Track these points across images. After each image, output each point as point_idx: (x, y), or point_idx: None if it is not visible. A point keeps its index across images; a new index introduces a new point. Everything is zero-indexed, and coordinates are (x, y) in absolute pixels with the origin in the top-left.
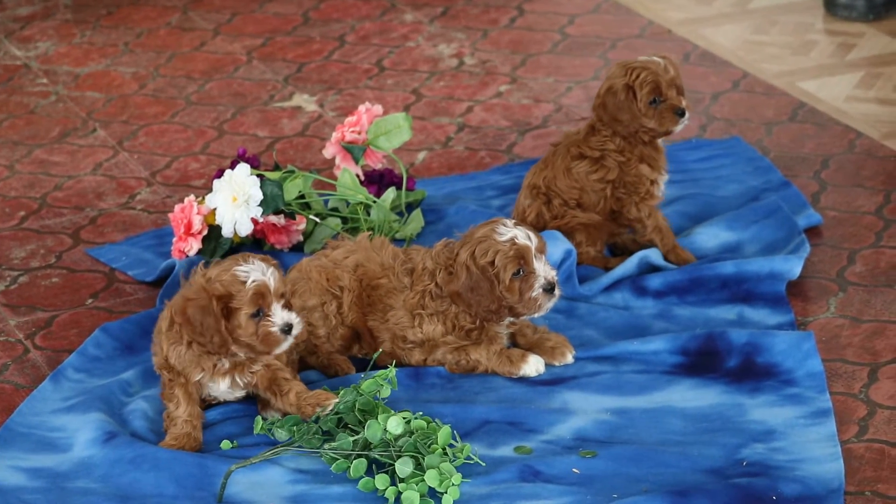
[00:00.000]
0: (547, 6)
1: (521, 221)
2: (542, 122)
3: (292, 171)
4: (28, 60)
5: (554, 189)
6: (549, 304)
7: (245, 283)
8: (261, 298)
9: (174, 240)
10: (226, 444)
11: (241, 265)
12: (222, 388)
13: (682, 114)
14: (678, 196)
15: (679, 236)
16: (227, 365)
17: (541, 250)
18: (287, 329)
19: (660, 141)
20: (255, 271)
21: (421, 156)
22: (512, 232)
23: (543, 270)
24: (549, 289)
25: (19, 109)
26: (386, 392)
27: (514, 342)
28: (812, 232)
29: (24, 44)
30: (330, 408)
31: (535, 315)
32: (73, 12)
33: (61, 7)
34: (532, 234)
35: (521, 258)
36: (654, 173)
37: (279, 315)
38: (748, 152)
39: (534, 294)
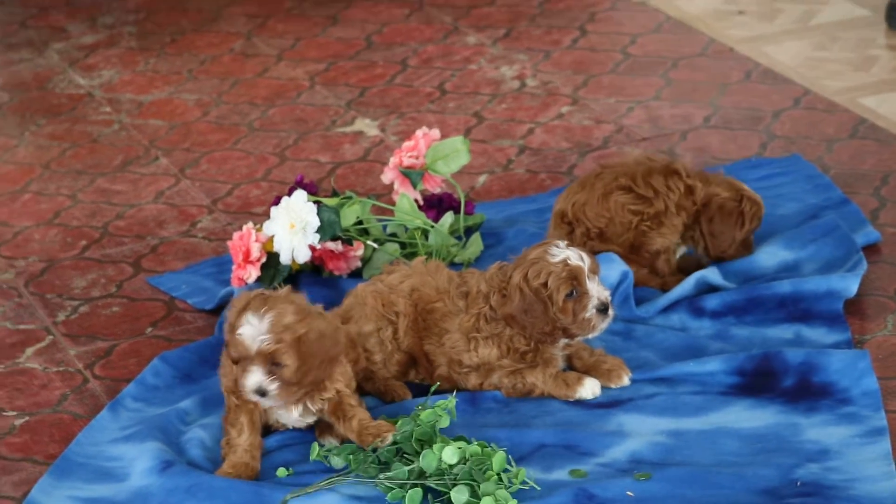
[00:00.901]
0: (609, 26)
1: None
2: (602, 143)
3: (350, 197)
4: (92, 89)
5: (581, 217)
6: (604, 324)
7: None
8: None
9: (233, 267)
10: (282, 472)
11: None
12: (294, 415)
13: None
14: None
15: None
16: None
17: (594, 271)
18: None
19: None
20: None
21: (482, 179)
22: (564, 253)
23: (597, 291)
24: (602, 309)
25: (83, 138)
26: (445, 423)
27: (570, 365)
28: (871, 249)
29: (88, 72)
30: (388, 441)
31: (590, 336)
32: (138, 40)
33: (126, 35)
34: (585, 255)
35: (573, 279)
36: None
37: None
38: (807, 170)
39: (587, 315)
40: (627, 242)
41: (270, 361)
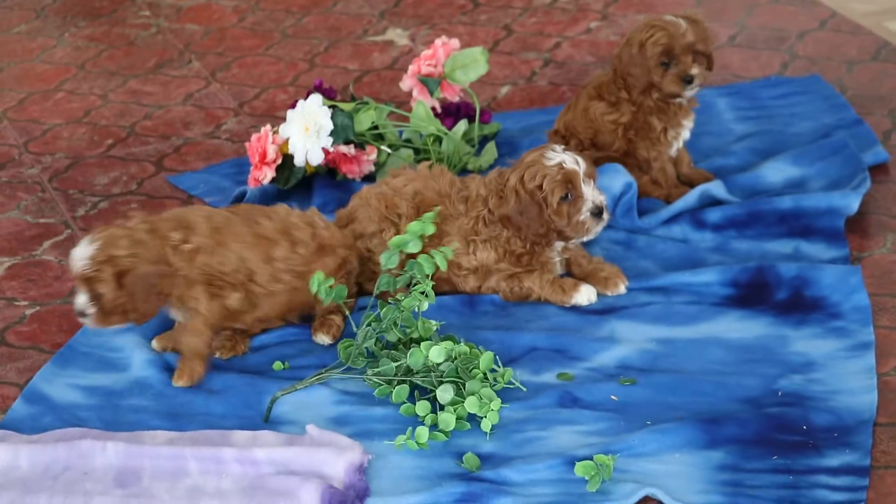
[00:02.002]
0: None
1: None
2: None
3: (366, 103)
4: None
5: (571, 130)
6: (597, 227)
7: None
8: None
9: (250, 168)
10: (277, 366)
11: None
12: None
13: (689, 81)
14: (751, 132)
15: (746, 171)
16: None
17: (589, 175)
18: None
19: (688, 95)
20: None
21: (504, 90)
22: (560, 157)
23: (591, 195)
24: (596, 213)
25: (119, 41)
26: (424, 306)
27: (569, 272)
28: (879, 169)
29: None
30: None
31: (584, 238)
32: None
33: None
34: (580, 160)
35: (568, 182)
36: (660, 124)
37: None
38: (825, 90)
39: (581, 217)
40: (621, 150)
41: (89, 287)
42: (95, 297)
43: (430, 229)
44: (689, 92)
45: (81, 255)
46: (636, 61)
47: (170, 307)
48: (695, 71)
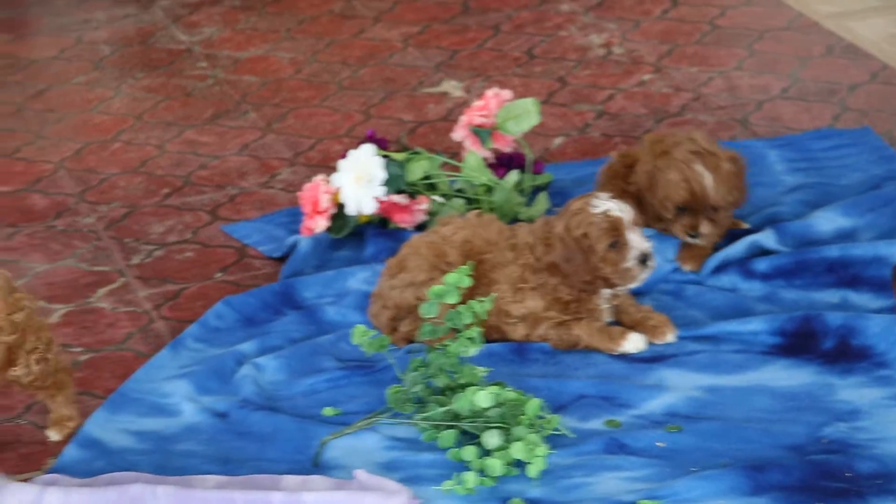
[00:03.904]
0: None
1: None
2: (679, 110)
3: (419, 153)
4: (191, 45)
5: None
6: (644, 274)
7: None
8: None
9: (303, 218)
10: (327, 411)
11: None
12: None
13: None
14: (801, 184)
15: (796, 220)
16: None
17: (635, 223)
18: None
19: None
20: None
21: (557, 141)
22: (606, 204)
23: (637, 242)
24: (643, 260)
25: (176, 92)
26: (472, 352)
27: (618, 321)
28: None
29: (190, 29)
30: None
31: (630, 286)
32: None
33: None
34: (626, 207)
35: (614, 230)
36: None
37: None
38: (875, 142)
39: (628, 265)
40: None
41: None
42: None
43: (467, 281)
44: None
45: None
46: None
47: None
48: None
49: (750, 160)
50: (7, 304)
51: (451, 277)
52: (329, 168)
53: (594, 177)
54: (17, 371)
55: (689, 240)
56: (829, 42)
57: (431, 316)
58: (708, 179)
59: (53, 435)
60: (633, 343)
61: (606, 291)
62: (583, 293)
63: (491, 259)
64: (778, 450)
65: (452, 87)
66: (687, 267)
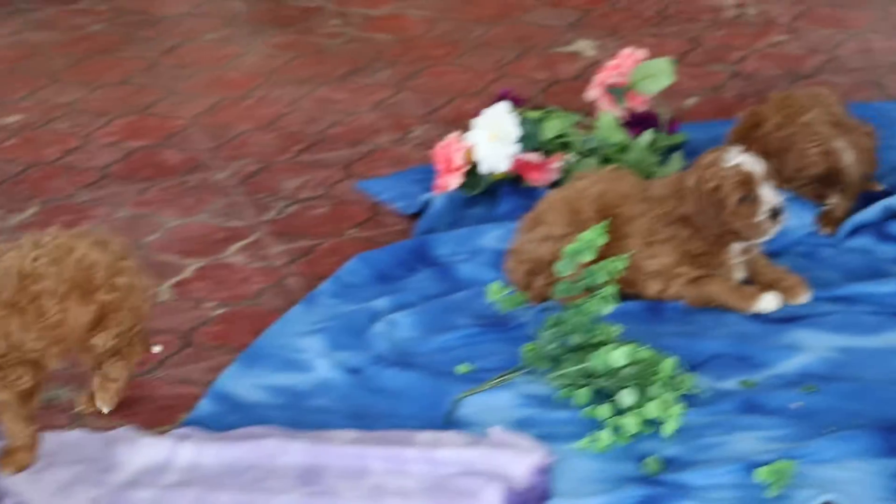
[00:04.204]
0: None
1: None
2: (812, 71)
3: (553, 112)
4: (324, 2)
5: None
6: (775, 229)
7: None
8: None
9: (437, 174)
10: (461, 368)
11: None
12: None
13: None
14: None
15: None
16: None
17: (767, 177)
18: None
19: None
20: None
21: (690, 101)
22: (739, 158)
23: (769, 196)
24: (774, 214)
25: (309, 49)
26: (607, 310)
27: (752, 282)
28: None
29: None
30: None
31: (761, 240)
32: None
33: None
34: (759, 162)
35: (746, 183)
36: None
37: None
38: None
39: (759, 219)
40: None
41: None
42: None
43: (602, 240)
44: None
45: None
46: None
47: None
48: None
49: (883, 122)
50: (112, 267)
51: (586, 235)
52: (462, 126)
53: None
54: (97, 340)
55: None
56: None
57: (567, 274)
58: (848, 156)
59: (102, 405)
60: (767, 302)
61: (738, 246)
62: (714, 247)
63: (624, 212)
64: None
65: (585, 47)
66: (824, 230)
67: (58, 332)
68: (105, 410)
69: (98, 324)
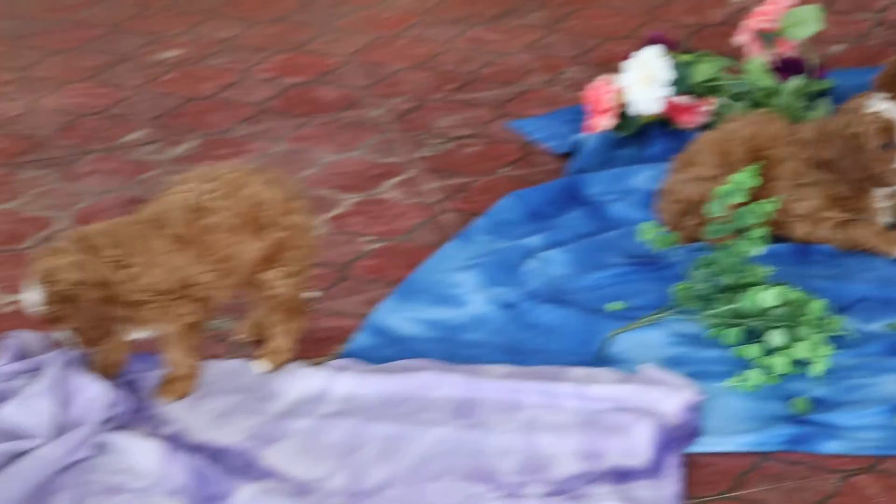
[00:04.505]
0: None
1: None
2: None
3: (704, 56)
4: None
5: None
6: None
7: None
8: None
9: (589, 115)
10: (612, 306)
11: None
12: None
13: None
14: None
15: None
16: None
17: None
18: None
19: None
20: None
21: (837, 48)
22: (882, 105)
23: None
24: None
25: None
26: (757, 252)
27: None
28: None
29: None
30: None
31: None
32: None
33: None
34: None
35: (887, 130)
36: None
37: None
38: None
39: None
40: None
41: (57, 327)
42: (73, 331)
43: (752, 182)
44: None
45: (32, 301)
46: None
47: (133, 327)
48: None
49: None
50: (285, 206)
51: (737, 177)
52: (611, 68)
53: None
54: (269, 274)
55: None
56: None
57: (718, 215)
58: None
59: (262, 365)
60: None
61: (883, 191)
62: (857, 192)
63: (773, 155)
64: None
65: None
66: None
67: (226, 267)
68: (271, 370)
69: (269, 261)
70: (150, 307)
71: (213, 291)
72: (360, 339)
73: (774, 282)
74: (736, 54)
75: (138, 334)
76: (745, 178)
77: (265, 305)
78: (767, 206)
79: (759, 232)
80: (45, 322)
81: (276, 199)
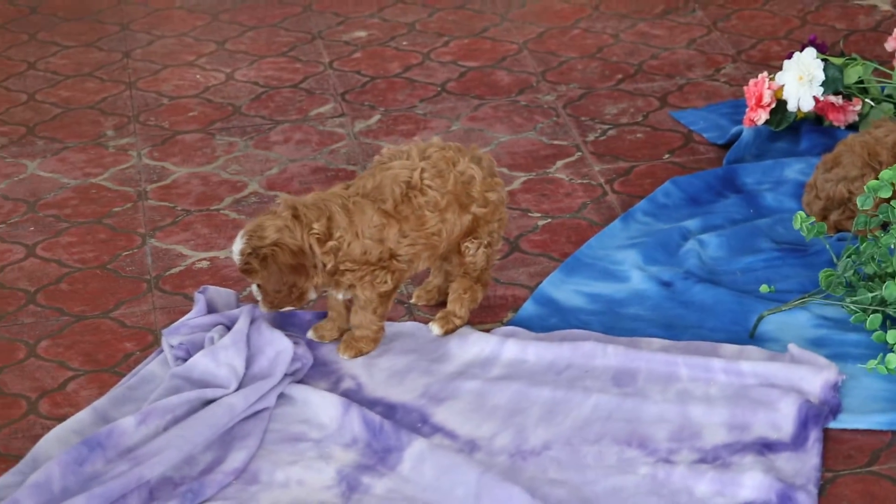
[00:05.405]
0: None
1: None
2: None
3: (854, 59)
4: None
5: None
6: None
7: None
8: None
9: (746, 110)
10: (764, 288)
11: None
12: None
13: None
14: None
15: None
16: None
17: None
18: None
19: None
20: None
21: None
22: None
23: None
24: None
25: None
26: None
27: None
28: None
29: None
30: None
31: None
32: None
33: None
34: None
35: None
36: None
37: None
38: None
39: None
40: None
41: (250, 279)
42: (258, 288)
43: None
44: None
45: (235, 250)
46: None
47: (328, 289)
48: None
49: None
50: (485, 182)
51: (886, 174)
52: (767, 66)
53: None
54: (467, 244)
55: None
56: None
57: (866, 208)
58: None
59: (435, 328)
60: None
61: None
62: None
63: None
64: None
65: (880, 1)
66: None
67: (432, 241)
68: (444, 334)
69: (467, 234)
70: (353, 274)
71: (416, 263)
72: (527, 309)
73: None
74: (884, 59)
75: (336, 295)
76: (892, 174)
77: (453, 273)
78: None
79: None
80: (240, 272)
81: (479, 177)
